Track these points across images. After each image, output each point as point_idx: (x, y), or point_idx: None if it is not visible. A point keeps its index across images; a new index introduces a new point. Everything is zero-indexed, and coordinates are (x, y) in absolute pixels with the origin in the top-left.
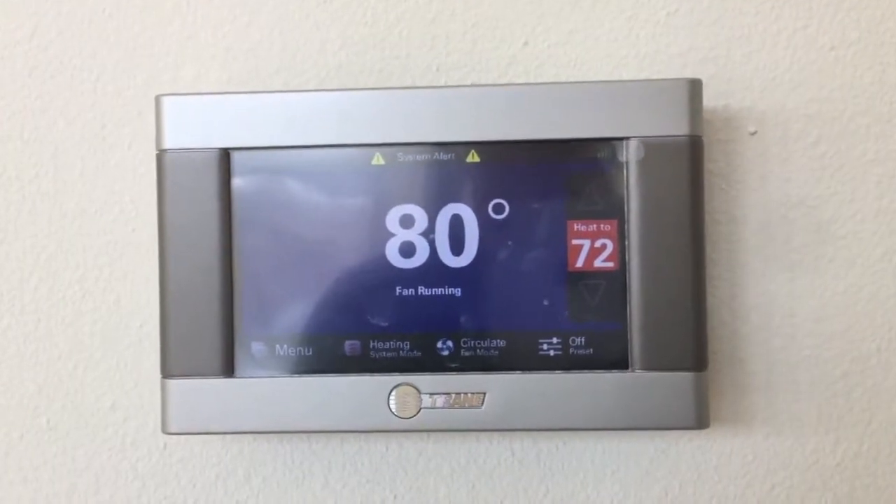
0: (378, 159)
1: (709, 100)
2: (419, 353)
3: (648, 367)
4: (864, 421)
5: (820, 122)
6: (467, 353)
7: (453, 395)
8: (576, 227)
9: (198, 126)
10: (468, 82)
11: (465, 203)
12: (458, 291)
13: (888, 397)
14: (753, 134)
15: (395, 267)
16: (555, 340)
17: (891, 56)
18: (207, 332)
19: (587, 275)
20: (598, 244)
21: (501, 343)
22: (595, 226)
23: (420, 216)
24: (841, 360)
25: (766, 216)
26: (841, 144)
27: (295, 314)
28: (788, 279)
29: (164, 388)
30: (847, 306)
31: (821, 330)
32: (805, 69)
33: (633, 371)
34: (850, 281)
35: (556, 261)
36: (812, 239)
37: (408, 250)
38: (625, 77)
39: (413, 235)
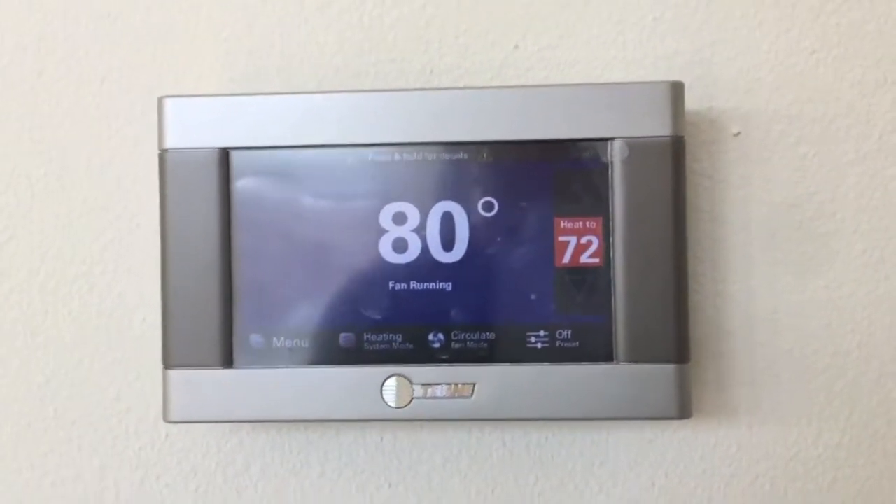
0: (372, 158)
1: (693, 102)
2: (411, 346)
3: (632, 359)
4: (844, 413)
5: (801, 124)
6: (458, 346)
7: (444, 386)
8: (562, 224)
9: (198, 126)
10: (460, 84)
11: (456, 201)
12: (448, 286)
13: (867, 390)
14: (737, 135)
15: (388, 262)
16: (542, 333)
17: (870, 60)
18: (207, 324)
19: (573, 270)
20: (583, 240)
21: (490, 336)
22: (581, 223)
23: (412, 213)
24: (822, 354)
25: (749, 214)
26: (821, 145)
27: (292, 308)
28: (771, 275)
29: (165, 379)
30: (828, 302)
31: (802, 325)
32: (787, 72)
33: (617, 363)
34: (831, 277)
35: (544, 256)
36: (794, 236)
37: (400, 246)
38: (613, 79)
39: (406, 232)
